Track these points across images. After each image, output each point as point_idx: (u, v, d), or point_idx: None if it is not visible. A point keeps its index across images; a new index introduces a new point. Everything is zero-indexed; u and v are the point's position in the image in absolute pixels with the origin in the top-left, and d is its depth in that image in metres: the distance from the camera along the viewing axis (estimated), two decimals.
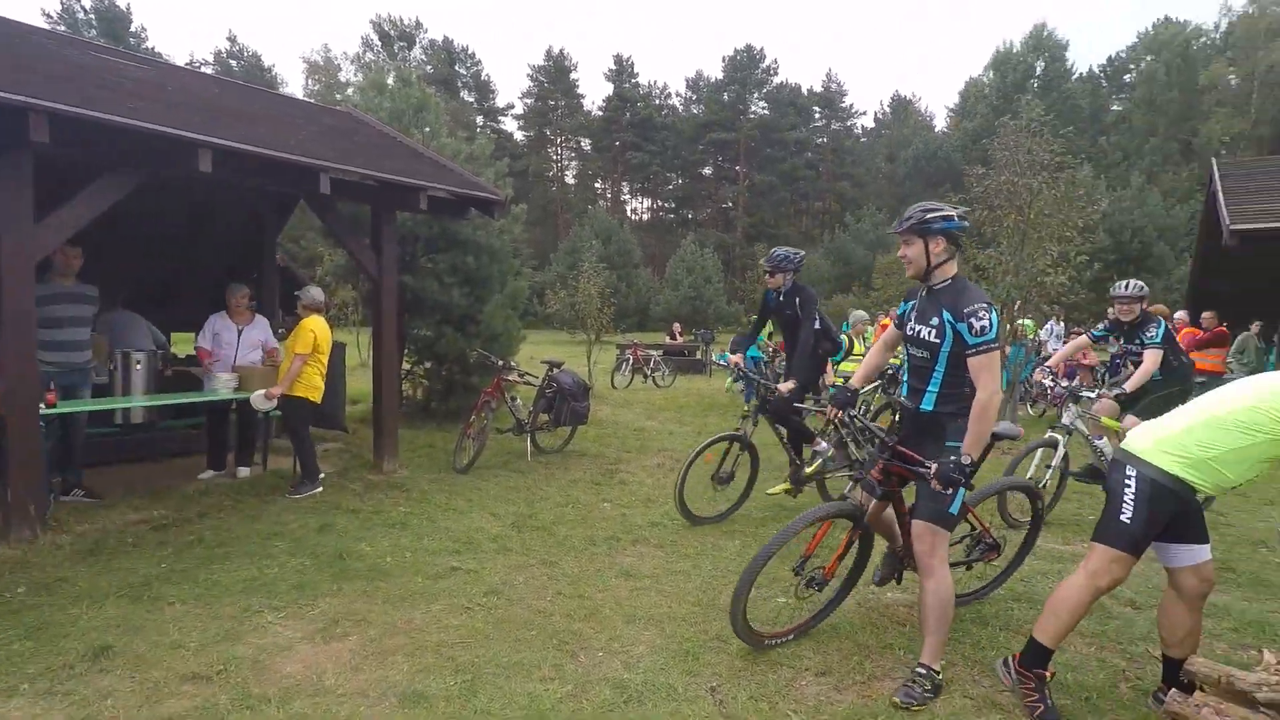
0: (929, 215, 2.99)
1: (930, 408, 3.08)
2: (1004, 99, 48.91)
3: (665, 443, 8.49)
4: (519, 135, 64.94)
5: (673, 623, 3.54)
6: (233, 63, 54.86)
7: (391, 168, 6.11)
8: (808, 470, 5.50)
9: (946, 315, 2.95)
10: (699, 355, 18.43)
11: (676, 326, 19.33)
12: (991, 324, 2.84)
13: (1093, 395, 5.54)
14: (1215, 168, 12.08)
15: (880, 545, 3.64)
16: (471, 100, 61.26)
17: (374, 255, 6.47)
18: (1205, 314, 11.07)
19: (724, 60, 64.65)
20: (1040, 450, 5.44)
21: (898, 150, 58.91)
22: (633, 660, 3.17)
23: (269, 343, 6.23)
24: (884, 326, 13.60)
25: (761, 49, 62.38)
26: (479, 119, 60.38)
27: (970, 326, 2.86)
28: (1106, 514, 2.76)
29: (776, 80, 62.18)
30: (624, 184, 67.73)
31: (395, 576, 4.04)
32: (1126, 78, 57.90)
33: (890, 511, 3.33)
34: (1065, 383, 5.73)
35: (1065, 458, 5.44)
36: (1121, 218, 31.02)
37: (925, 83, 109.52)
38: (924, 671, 2.91)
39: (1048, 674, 2.80)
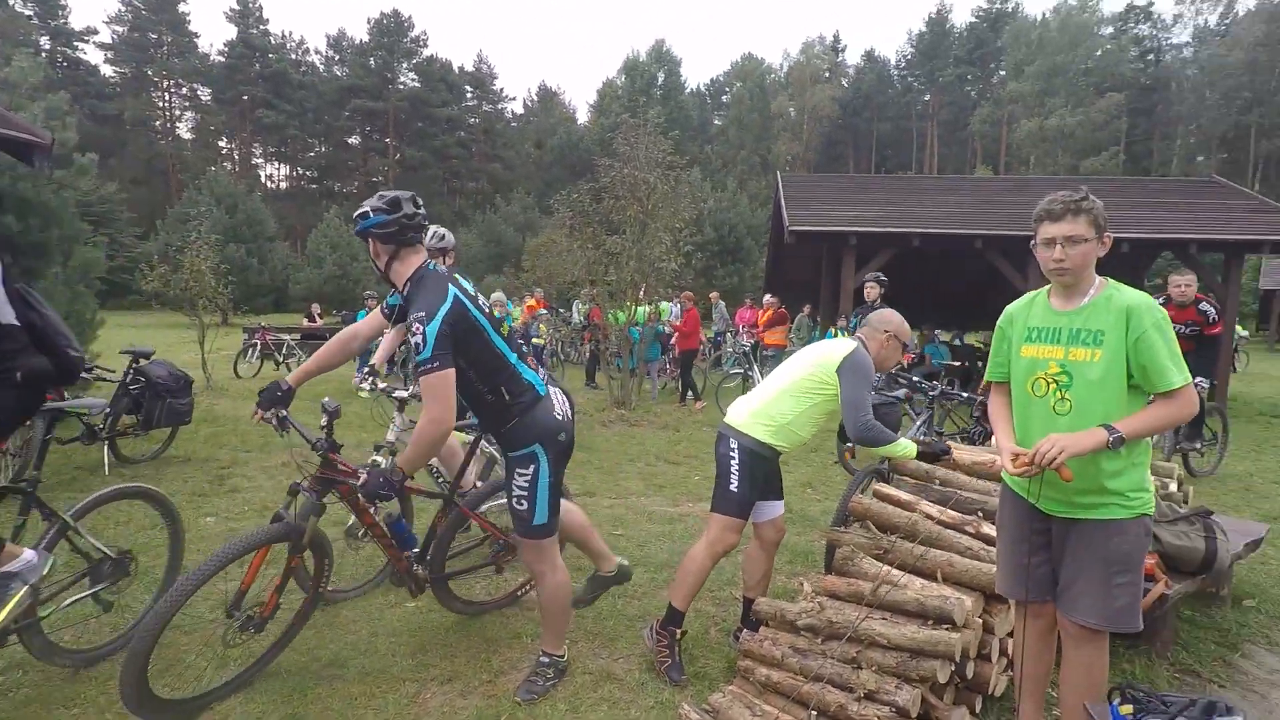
0: (356, 217, 2.57)
1: None
2: (633, 101, 53.70)
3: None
4: (109, 70, 52.46)
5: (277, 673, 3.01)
6: None
7: None
8: None
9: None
10: None
11: (315, 308, 17.30)
12: (427, 339, 2.33)
13: None
14: (779, 179, 14.68)
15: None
16: (29, 13, 47.41)
17: None
18: (767, 298, 13.32)
19: (369, 22, 60.00)
20: None
21: (545, 138, 60.91)
22: None
23: None
24: (530, 308, 13.94)
25: (410, 17, 59.17)
26: (44, 39, 47.26)
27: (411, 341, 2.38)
28: (718, 485, 3.07)
29: (426, 53, 59.60)
30: (255, 146, 59.12)
31: None
32: (724, 97, 67.65)
33: (574, 519, 3.12)
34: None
35: None
36: (722, 216, 36.27)
37: (569, 77, 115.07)
38: (547, 660, 2.88)
39: (679, 632, 3.02)
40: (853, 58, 64.55)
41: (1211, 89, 46.97)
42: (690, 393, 10.68)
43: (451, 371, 2.40)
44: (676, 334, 11.06)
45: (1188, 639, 3.24)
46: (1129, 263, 12.01)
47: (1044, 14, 54.07)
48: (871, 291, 6.09)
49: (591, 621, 3.42)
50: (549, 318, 13.65)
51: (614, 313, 10.49)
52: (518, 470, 2.69)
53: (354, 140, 59.89)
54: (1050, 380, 2.20)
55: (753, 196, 46.88)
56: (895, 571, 2.86)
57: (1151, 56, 53.49)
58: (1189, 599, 3.35)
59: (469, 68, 63.26)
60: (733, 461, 3.03)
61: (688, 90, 64.99)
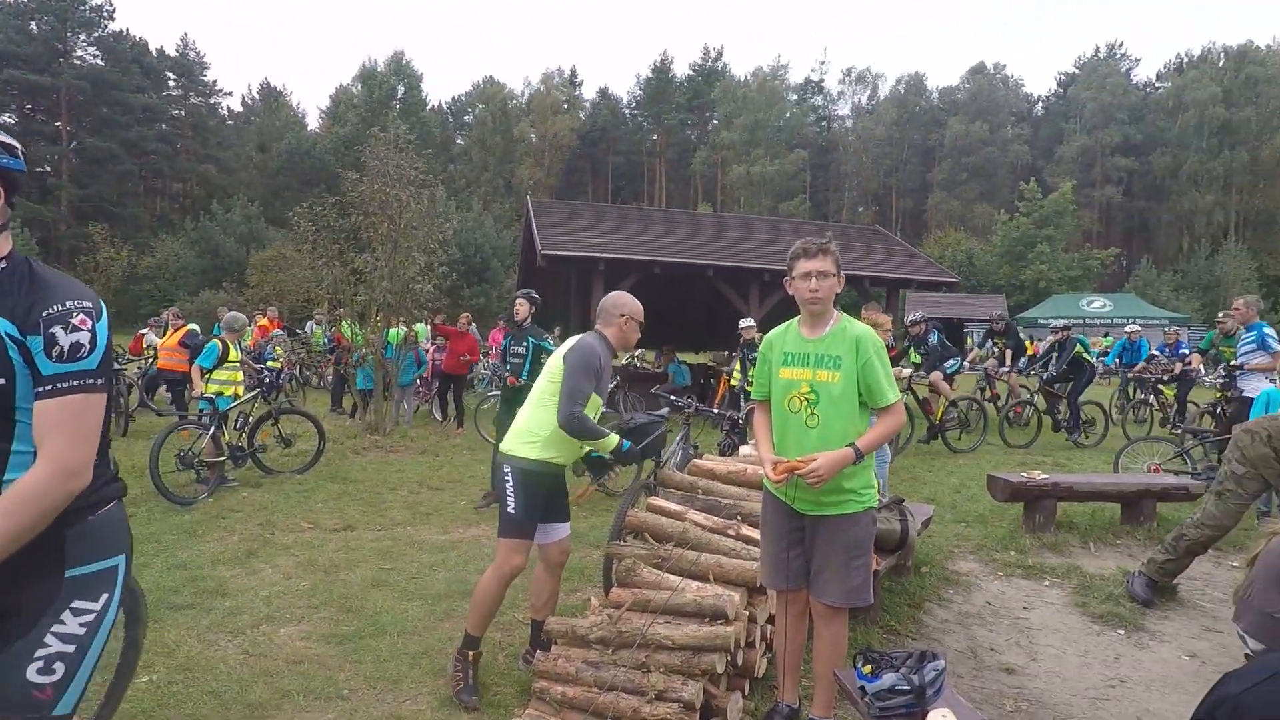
0: None
1: None
2: (372, 112, 50.56)
3: None
4: None
5: None
6: None
7: None
8: None
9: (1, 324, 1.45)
10: None
11: None
12: (97, 341, 1.49)
13: None
14: (530, 204, 14.85)
15: None
16: None
17: None
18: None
19: None
20: None
21: (270, 141, 54.57)
22: None
23: None
24: (262, 329, 12.36)
25: None
26: None
27: (52, 343, 1.44)
28: (500, 511, 3.04)
29: (113, 27, 50.09)
30: None
31: None
32: (467, 117, 66.68)
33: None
34: None
35: None
36: (468, 236, 35.60)
37: (296, 78, 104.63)
38: None
39: (471, 655, 2.96)
40: (589, 92, 67.79)
41: (865, 154, 57.56)
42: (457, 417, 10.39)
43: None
44: (446, 355, 10.44)
45: (888, 604, 3.90)
46: None
47: (746, 76, 62.04)
48: (521, 309, 6.18)
49: (371, 666, 3.14)
50: (285, 339, 12.25)
51: (363, 332, 9.69)
52: (74, 605, 1.52)
53: (9, 118, 48.12)
54: (802, 398, 2.54)
55: (497, 218, 46.77)
56: (673, 577, 3.06)
57: (825, 123, 63.97)
58: (889, 571, 4.04)
59: (171, 52, 54.56)
60: (507, 484, 3.02)
61: (429, 106, 62.96)
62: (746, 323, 9.68)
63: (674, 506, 3.60)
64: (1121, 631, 3.74)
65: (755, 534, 3.32)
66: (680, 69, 65.74)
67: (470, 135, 63.62)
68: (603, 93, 67.02)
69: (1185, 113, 48.52)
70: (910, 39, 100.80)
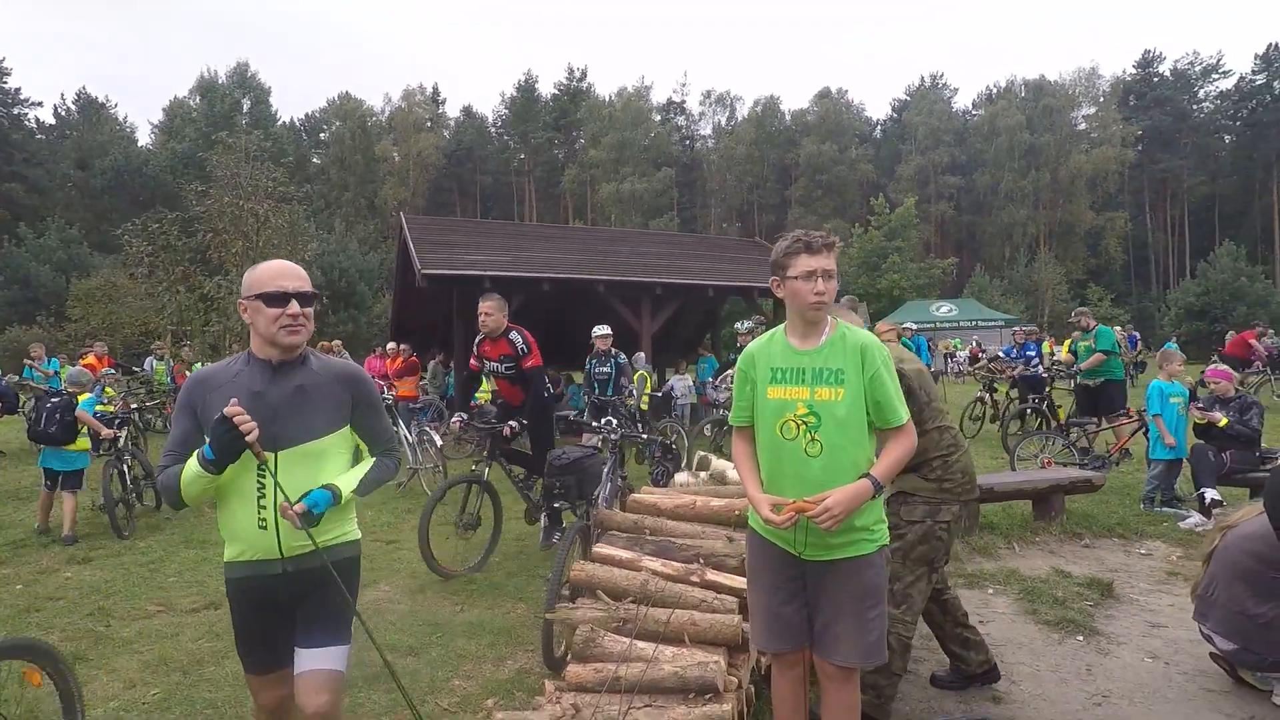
0: None
1: None
2: (213, 126, 46.08)
3: None
4: None
5: None
6: None
7: None
8: None
9: None
10: None
11: None
12: None
13: None
14: (404, 221, 13.75)
15: None
16: None
17: None
18: (391, 346, 12.25)
19: None
20: None
21: (91, 157, 48.30)
22: None
23: None
24: (91, 368, 10.47)
25: None
26: None
27: None
28: None
29: None
30: None
31: None
32: (322, 135, 62.61)
33: None
34: None
35: None
36: (331, 259, 33.01)
37: (119, 88, 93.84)
38: None
39: None
40: (452, 110, 65.77)
41: (729, 172, 59.73)
42: None
43: None
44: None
45: None
46: (713, 305, 14.16)
47: (610, 95, 62.60)
48: (606, 341, 6.56)
49: None
50: (117, 378, 10.46)
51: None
52: None
53: None
54: (799, 422, 2.12)
55: (362, 240, 44.02)
56: (643, 644, 2.55)
57: (689, 141, 65.80)
58: None
59: None
60: None
61: (280, 122, 58.51)
62: (602, 330, 8.42)
63: (624, 554, 3.09)
64: (1080, 638, 3.63)
65: (721, 579, 2.88)
66: (545, 88, 65.42)
67: (328, 153, 59.71)
68: (467, 111, 65.41)
69: (998, 137, 54.19)
70: (764, 63, 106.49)
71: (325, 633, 1.98)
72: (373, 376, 9.60)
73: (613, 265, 12.44)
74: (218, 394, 1.93)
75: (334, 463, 2.05)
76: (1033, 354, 11.47)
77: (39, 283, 33.67)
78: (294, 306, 1.95)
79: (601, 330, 8.39)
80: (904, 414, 2.13)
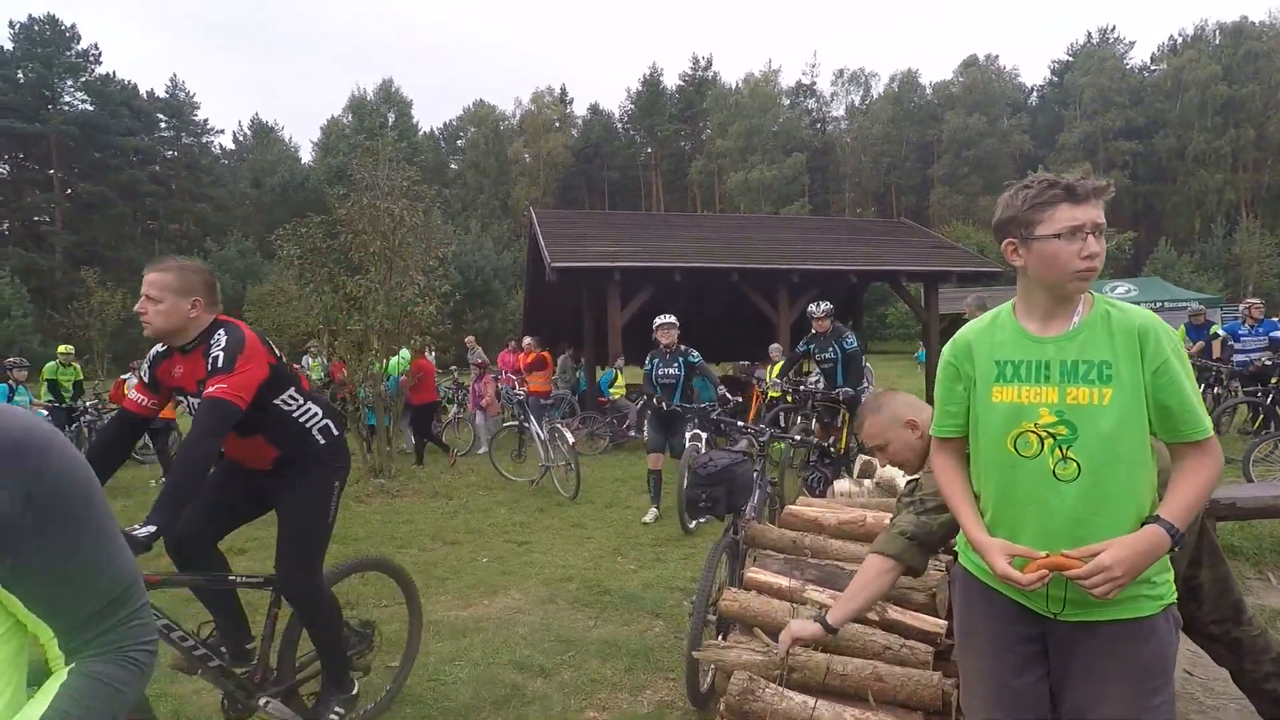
0: None
1: None
2: (364, 141, 50.10)
3: None
4: None
5: None
6: None
7: None
8: None
9: None
10: None
11: None
12: None
13: None
14: (534, 216, 13.89)
15: None
16: None
17: None
18: (527, 340, 12.34)
19: (13, 26, 48.00)
20: None
21: (263, 176, 54.07)
22: None
23: None
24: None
25: (73, 25, 48.87)
26: None
27: None
28: None
29: (100, 70, 49.68)
30: None
31: None
32: (460, 141, 66.22)
33: None
34: None
35: None
36: (468, 258, 34.75)
37: (287, 113, 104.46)
38: None
39: None
40: (580, 109, 67.24)
41: (864, 153, 56.79)
42: (426, 452, 9.50)
43: None
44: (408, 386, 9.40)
45: None
46: (854, 293, 13.23)
47: (737, 83, 61.44)
48: (672, 334, 6.22)
49: None
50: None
51: (368, 363, 8.61)
52: None
53: (2, 169, 47.69)
54: (1044, 434, 1.55)
55: (496, 239, 46.03)
56: (815, 702, 2.07)
57: (820, 125, 63.27)
58: None
59: (160, 93, 54.18)
60: None
61: (421, 133, 62.48)
62: (665, 320, 6.59)
63: (783, 581, 2.61)
64: None
65: (908, 619, 2.34)
66: (670, 80, 65.28)
67: (464, 159, 63.16)
68: (594, 109, 66.54)
69: (1186, 93, 47.67)
70: (900, 36, 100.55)
71: None
72: (503, 370, 9.52)
73: (746, 253, 11.87)
74: None
75: None
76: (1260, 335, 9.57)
77: (222, 290, 37.78)
78: None
79: (665, 320, 6.54)
80: (1207, 423, 1.51)
